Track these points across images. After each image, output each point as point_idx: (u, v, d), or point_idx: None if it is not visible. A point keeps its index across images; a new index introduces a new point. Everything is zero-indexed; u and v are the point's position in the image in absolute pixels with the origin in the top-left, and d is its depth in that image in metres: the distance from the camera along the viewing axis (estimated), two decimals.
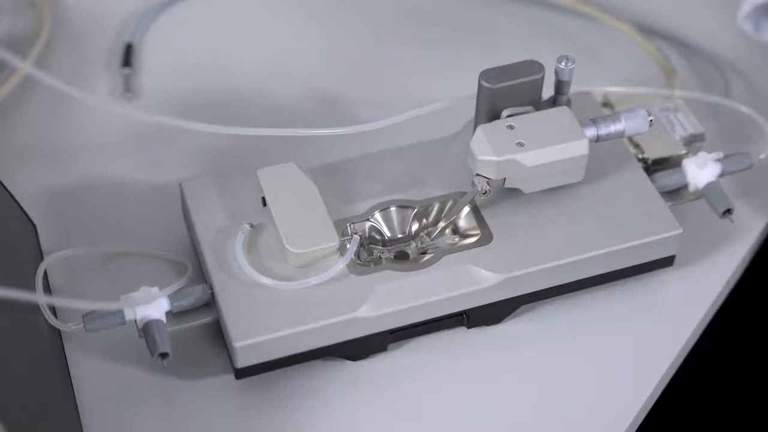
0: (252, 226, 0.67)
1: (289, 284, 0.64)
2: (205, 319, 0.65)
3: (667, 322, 0.69)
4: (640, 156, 0.72)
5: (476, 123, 0.68)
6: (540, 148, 0.66)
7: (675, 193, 0.71)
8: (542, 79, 0.68)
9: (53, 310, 0.65)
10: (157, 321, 0.63)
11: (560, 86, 0.69)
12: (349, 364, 0.66)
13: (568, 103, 0.69)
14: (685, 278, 0.70)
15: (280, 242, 0.65)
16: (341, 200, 0.68)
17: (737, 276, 0.72)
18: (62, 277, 0.69)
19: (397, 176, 0.70)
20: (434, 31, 0.84)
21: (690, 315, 0.69)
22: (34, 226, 0.70)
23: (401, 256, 0.68)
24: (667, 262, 0.69)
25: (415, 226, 0.69)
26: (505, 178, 0.66)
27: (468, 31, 0.84)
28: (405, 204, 0.69)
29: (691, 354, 0.69)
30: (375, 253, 0.68)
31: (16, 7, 0.84)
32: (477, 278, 0.66)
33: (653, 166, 0.72)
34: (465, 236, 0.68)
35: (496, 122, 0.67)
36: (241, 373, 0.64)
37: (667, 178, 0.71)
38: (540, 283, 0.67)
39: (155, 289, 0.64)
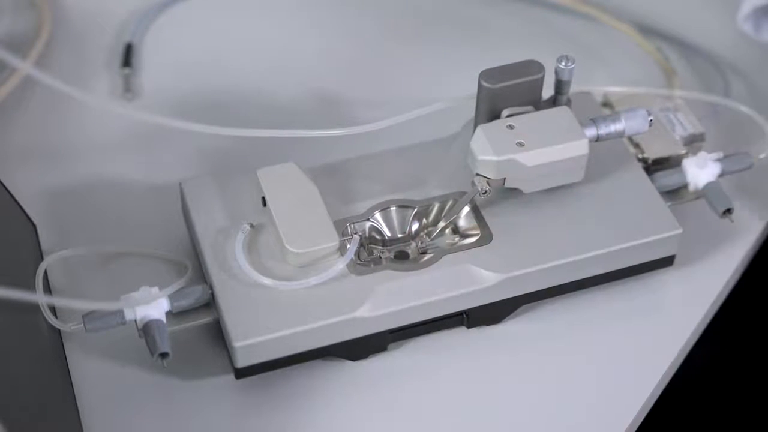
0: (252, 226, 0.67)
1: (289, 284, 0.64)
2: (205, 319, 0.65)
3: (667, 322, 0.69)
4: (640, 156, 0.72)
5: (476, 123, 0.69)
6: (540, 147, 0.66)
7: (675, 193, 0.71)
8: (542, 79, 0.68)
9: (53, 310, 0.65)
10: (157, 321, 0.63)
11: (560, 86, 0.69)
12: (349, 364, 0.66)
13: (568, 103, 0.69)
14: (685, 278, 0.70)
15: (280, 242, 0.65)
16: (341, 200, 0.68)
17: (737, 276, 0.72)
18: (62, 277, 0.69)
19: (397, 176, 0.70)
20: (434, 31, 0.84)
21: (690, 315, 0.69)
22: (34, 226, 0.70)
23: (401, 256, 0.68)
24: (667, 262, 0.69)
25: (415, 226, 0.69)
26: (505, 178, 0.66)
27: (468, 31, 0.84)
28: (405, 204, 0.69)
29: (691, 354, 0.69)
30: (375, 253, 0.68)
31: (16, 7, 0.84)
32: (477, 278, 0.66)
33: (653, 166, 0.72)
34: (465, 236, 0.68)
35: (496, 122, 0.67)
36: (241, 373, 0.64)
37: (667, 178, 0.71)
38: (540, 283, 0.67)
39: (155, 289, 0.64)
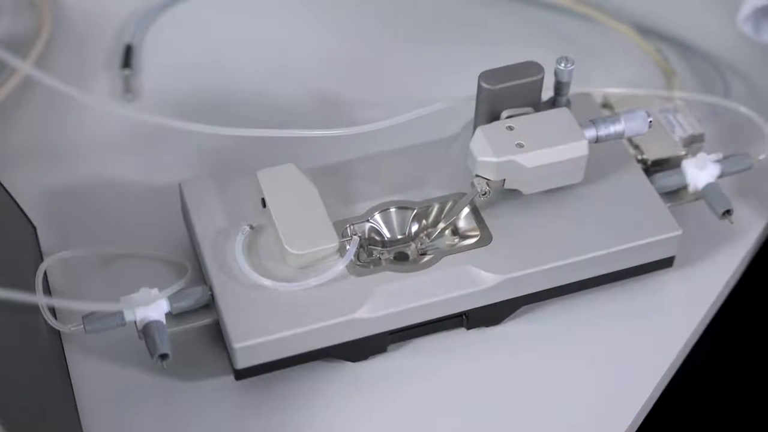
0: (251, 227, 0.67)
1: (289, 285, 0.64)
2: (205, 320, 0.65)
3: (666, 322, 0.69)
4: (639, 157, 0.72)
5: (476, 124, 0.68)
6: (539, 149, 0.66)
7: (674, 194, 0.71)
8: (542, 80, 0.68)
9: (53, 311, 0.65)
10: (157, 322, 0.63)
11: (560, 87, 0.69)
12: (349, 365, 0.66)
13: (568, 104, 0.69)
14: (685, 279, 0.70)
15: (279, 243, 0.65)
16: (341, 201, 0.68)
17: (737, 277, 0.72)
18: (62, 279, 0.69)
19: (397, 177, 0.70)
20: (434, 31, 0.85)
21: (690, 316, 0.69)
22: (33, 227, 0.70)
23: (401, 257, 0.68)
24: (666, 263, 0.69)
25: (414, 227, 0.69)
26: (504, 179, 0.66)
27: (468, 32, 0.84)
28: (404, 205, 0.69)
29: (690, 355, 0.69)
30: (374, 254, 0.68)
31: (16, 7, 0.84)
32: (476, 279, 0.66)
33: (653, 167, 0.72)
34: (464, 237, 0.68)
35: (495, 123, 0.67)
36: (241, 374, 0.64)
37: (667, 179, 0.71)
38: (540, 284, 0.67)
39: (155, 291, 0.64)
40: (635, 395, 0.66)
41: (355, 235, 0.67)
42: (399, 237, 0.68)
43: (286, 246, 0.65)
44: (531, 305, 0.68)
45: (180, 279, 0.65)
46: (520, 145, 0.66)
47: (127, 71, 0.80)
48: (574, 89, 0.70)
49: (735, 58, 0.82)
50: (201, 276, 0.67)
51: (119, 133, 0.77)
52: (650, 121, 0.68)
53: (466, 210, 0.68)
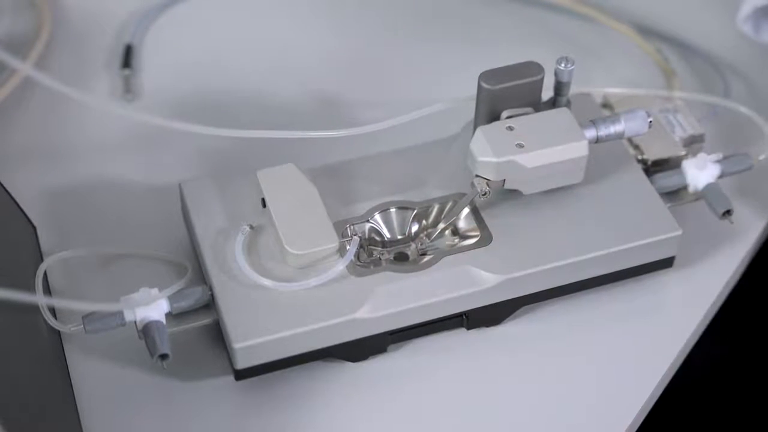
0: (252, 227, 0.67)
1: (289, 285, 0.64)
2: (205, 320, 0.65)
3: (666, 323, 0.69)
4: (639, 157, 0.72)
5: (476, 124, 0.68)
6: (539, 149, 0.66)
7: (674, 195, 0.71)
8: (542, 80, 0.68)
9: (53, 311, 0.65)
10: (157, 322, 0.63)
11: (560, 87, 0.69)
12: (349, 366, 0.66)
13: (568, 105, 0.69)
14: (685, 279, 0.70)
15: (279, 243, 0.65)
16: (341, 201, 0.68)
17: (737, 277, 0.72)
18: (62, 279, 0.69)
19: (397, 177, 0.70)
20: (434, 31, 0.84)
21: (690, 316, 0.69)
22: (33, 227, 0.70)
23: (401, 258, 0.68)
24: (666, 263, 0.69)
25: (414, 228, 0.69)
26: (504, 180, 0.66)
27: (468, 32, 0.84)
28: (405, 205, 0.69)
29: (690, 355, 0.69)
30: (375, 255, 0.68)
31: (16, 8, 0.84)
32: (477, 279, 0.66)
33: (653, 168, 0.72)
34: (465, 237, 0.68)
35: (495, 123, 0.67)
36: (241, 375, 0.64)
37: (667, 180, 0.71)
38: (540, 285, 0.67)
39: (155, 291, 0.64)
40: (635, 395, 0.66)
41: (355, 235, 0.67)
42: (399, 237, 0.68)
43: (286, 246, 0.65)
44: (531, 305, 0.68)
45: (180, 279, 0.65)
46: (520, 146, 0.66)
47: (127, 71, 0.80)
48: (574, 89, 0.70)
49: (735, 58, 0.82)
50: (201, 276, 0.67)
51: (119, 133, 0.77)
52: (650, 121, 0.68)
53: (466, 210, 0.68)
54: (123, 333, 0.64)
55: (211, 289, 0.65)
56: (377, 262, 0.67)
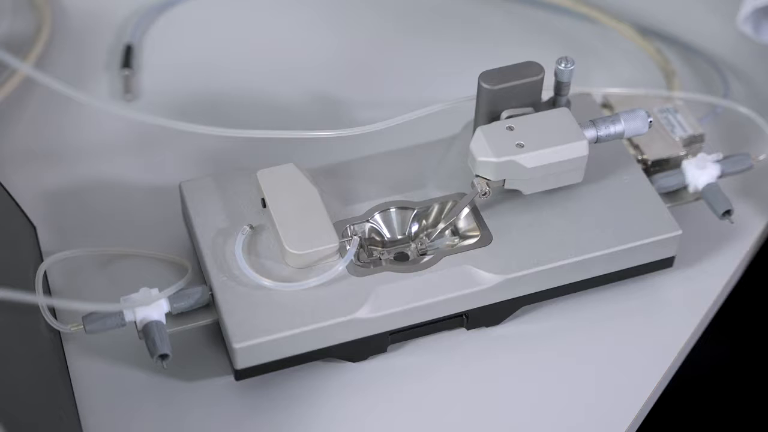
0: (252, 227, 0.67)
1: (289, 285, 0.64)
2: (205, 320, 0.65)
3: (667, 323, 0.69)
4: (639, 157, 0.72)
5: (476, 124, 0.69)
6: (540, 149, 0.66)
7: (675, 195, 0.71)
8: (542, 80, 0.68)
9: (53, 311, 0.65)
10: (157, 322, 0.63)
11: (560, 87, 0.69)
12: (349, 365, 0.66)
13: (568, 105, 0.69)
14: (685, 279, 0.70)
15: (279, 243, 0.65)
16: (341, 201, 0.68)
17: (737, 277, 0.72)
18: (62, 279, 0.69)
19: (397, 177, 0.70)
20: (434, 32, 0.85)
21: (690, 316, 0.69)
22: (33, 227, 0.70)
23: (401, 258, 0.68)
24: (666, 263, 0.69)
25: (414, 228, 0.69)
26: (504, 180, 0.66)
27: (468, 32, 0.84)
28: (405, 205, 0.69)
29: (690, 355, 0.69)
30: (375, 255, 0.68)
31: (16, 8, 0.84)
32: (477, 279, 0.66)
33: (653, 168, 0.72)
34: (465, 237, 0.68)
35: (495, 123, 0.67)
36: (241, 375, 0.64)
37: (667, 180, 0.71)
38: (539, 285, 0.67)
39: (155, 291, 0.64)
40: (635, 396, 0.66)
41: (355, 235, 0.67)
42: (399, 237, 0.68)
43: (286, 246, 0.65)
44: (531, 305, 0.68)
45: (180, 279, 0.65)
46: (520, 145, 0.66)
47: (127, 71, 0.80)
48: (574, 89, 0.70)
49: (735, 58, 0.82)
50: (201, 276, 0.67)
51: (119, 133, 0.77)
52: (650, 121, 0.68)
53: (466, 210, 0.68)
54: (123, 333, 0.64)
55: (211, 289, 0.65)
56: (377, 262, 0.67)
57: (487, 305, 0.66)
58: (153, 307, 0.63)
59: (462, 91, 0.70)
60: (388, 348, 0.67)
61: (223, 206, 0.68)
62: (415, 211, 0.69)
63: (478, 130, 0.67)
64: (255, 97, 0.80)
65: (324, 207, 0.66)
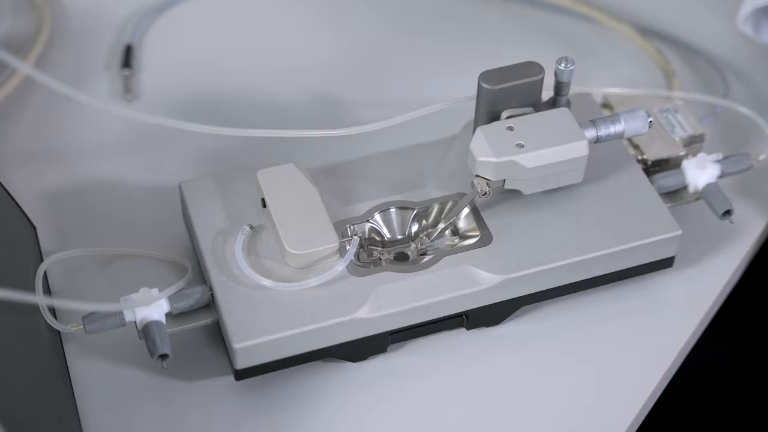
0: (252, 227, 0.67)
1: (289, 285, 0.64)
2: (205, 320, 0.65)
3: (666, 323, 0.69)
4: (639, 157, 0.72)
5: (476, 124, 0.69)
6: (540, 149, 0.66)
7: (675, 195, 0.71)
8: (542, 80, 0.68)
9: (53, 311, 0.65)
10: (157, 322, 0.63)
11: (560, 87, 0.69)
12: (349, 365, 0.66)
13: (568, 105, 0.69)
14: (685, 279, 0.70)
15: (279, 243, 0.65)
16: (341, 201, 0.68)
17: (737, 277, 0.72)
18: (62, 279, 0.69)
19: (397, 177, 0.70)
20: (434, 32, 0.85)
21: (690, 316, 0.69)
22: (33, 227, 0.70)
23: (401, 258, 0.68)
24: (666, 263, 0.69)
25: (414, 228, 0.69)
26: (504, 180, 0.66)
27: (468, 32, 0.84)
28: (405, 205, 0.69)
29: (690, 355, 0.69)
30: (375, 255, 0.68)
31: (16, 8, 0.84)
32: (477, 279, 0.66)
33: (653, 168, 0.72)
34: (465, 237, 0.68)
35: (495, 123, 0.67)
36: (241, 375, 0.64)
37: (667, 180, 0.71)
38: (539, 285, 0.67)
39: (155, 291, 0.64)
40: (635, 395, 0.66)
41: (355, 235, 0.67)
42: (399, 237, 0.68)
43: (286, 246, 0.65)
44: (531, 305, 0.68)
45: (180, 279, 0.65)
46: (520, 145, 0.66)
47: (127, 71, 0.80)
48: (574, 89, 0.70)
49: (735, 58, 0.82)
50: (201, 276, 0.67)
51: (119, 133, 0.77)
52: (650, 121, 0.68)
53: (466, 210, 0.68)
54: (123, 333, 0.64)
55: (211, 289, 0.65)
56: (377, 262, 0.67)
57: (487, 305, 0.66)
58: (153, 307, 0.63)
59: (462, 91, 0.70)
60: (388, 348, 0.67)
61: (223, 206, 0.68)
62: (415, 211, 0.69)
63: (478, 130, 0.67)
64: (255, 97, 0.80)
65: (324, 207, 0.66)
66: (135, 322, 0.63)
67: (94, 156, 0.76)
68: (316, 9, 0.86)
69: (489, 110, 0.68)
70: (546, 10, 0.85)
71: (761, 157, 0.72)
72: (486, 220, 0.68)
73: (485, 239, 0.67)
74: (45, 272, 0.66)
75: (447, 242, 0.68)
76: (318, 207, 0.66)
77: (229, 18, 0.85)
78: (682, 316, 0.69)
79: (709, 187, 0.70)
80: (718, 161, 0.71)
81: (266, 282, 0.64)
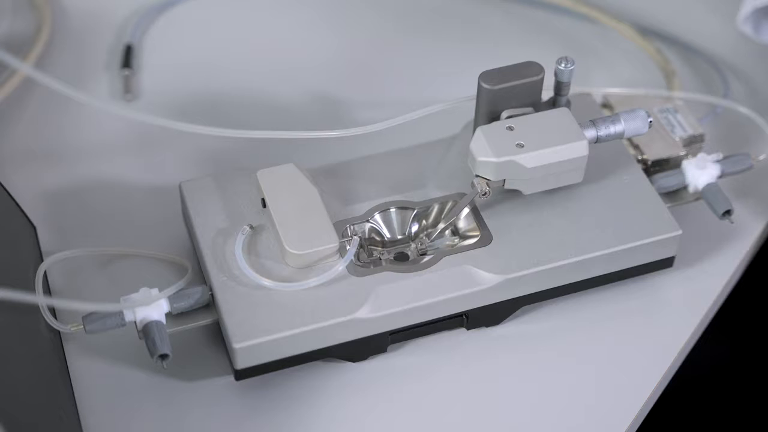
0: (252, 227, 0.67)
1: (289, 285, 0.64)
2: (205, 320, 0.65)
3: (666, 323, 0.69)
4: (639, 157, 0.72)
5: (476, 124, 0.69)
6: (540, 149, 0.66)
7: (675, 195, 0.71)
8: (542, 80, 0.68)
9: (53, 311, 0.65)
10: (157, 322, 0.63)
11: (560, 87, 0.69)
12: (349, 365, 0.66)
13: (568, 104, 0.69)
14: (685, 279, 0.70)
15: (279, 243, 0.65)
16: (341, 201, 0.68)
17: (737, 277, 0.72)
18: (62, 279, 0.69)
19: (397, 177, 0.70)
20: (434, 32, 0.85)
21: (690, 316, 0.69)
22: (33, 227, 0.70)
23: (401, 258, 0.68)
24: (666, 263, 0.69)
25: (414, 228, 0.69)
26: (504, 180, 0.66)
27: (468, 32, 0.84)
28: (405, 205, 0.69)
29: (690, 355, 0.69)
30: (375, 255, 0.68)
31: (16, 8, 0.84)
32: (477, 279, 0.66)
33: (653, 168, 0.72)
34: (465, 237, 0.68)
35: (495, 123, 0.67)
36: (241, 375, 0.64)
37: (667, 180, 0.71)
38: (539, 285, 0.67)
39: (155, 291, 0.64)
40: (635, 396, 0.66)
41: (355, 235, 0.67)
42: (399, 237, 0.68)
43: (286, 246, 0.65)
44: (531, 305, 0.68)
45: (180, 279, 0.65)
46: (521, 146, 0.66)
47: (127, 71, 0.80)
48: (574, 89, 0.70)
49: (735, 58, 0.82)
50: (201, 276, 0.67)
51: (119, 133, 0.77)
52: (650, 121, 0.68)
53: (466, 210, 0.68)
54: (123, 333, 0.64)
55: (211, 289, 0.65)
56: (377, 262, 0.67)
57: (487, 305, 0.66)
58: (153, 307, 0.63)
59: (462, 91, 0.70)
60: (388, 348, 0.67)
61: (223, 206, 0.68)
62: (415, 211, 0.69)
63: (478, 130, 0.67)
64: (255, 97, 0.80)
65: (324, 207, 0.66)
66: (135, 322, 0.63)
67: (94, 156, 0.76)
68: (316, 9, 0.86)
69: (489, 110, 0.68)
70: (546, 10, 0.85)
71: (761, 157, 0.72)
72: (486, 220, 0.68)
73: (485, 239, 0.67)
74: (45, 272, 0.66)
75: (447, 242, 0.68)
76: (318, 207, 0.66)
77: (229, 18, 0.85)
78: (682, 316, 0.69)
79: (709, 187, 0.70)
80: (718, 161, 0.71)
81: (266, 282, 0.64)
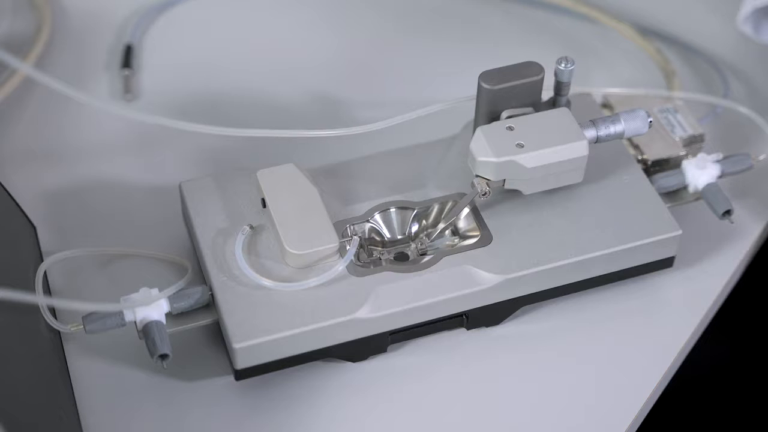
0: (252, 227, 0.67)
1: (289, 285, 0.64)
2: (205, 320, 0.65)
3: (666, 323, 0.69)
4: (639, 157, 0.72)
5: (476, 124, 0.69)
6: (540, 149, 0.66)
7: (675, 195, 0.71)
8: (542, 80, 0.68)
9: (53, 311, 0.65)
10: (157, 322, 0.63)
11: (560, 87, 0.69)
12: (349, 365, 0.66)
13: (568, 104, 0.69)
14: (685, 279, 0.70)
15: (279, 243, 0.65)
16: (341, 201, 0.68)
17: (737, 277, 0.72)
18: (62, 279, 0.69)
19: (397, 177, 0.70)
20: (434, 32, 0.85)
21: (689, 316, 0.69)
22: (33, 227, 0.70)
23: (401, 258, 0.68)
24: (666, 263, 0.69)
25: (414, 228, 0.69)
26: (504, 180, 0.66)
27: (468, 32, 0.84)
28: (405, 205, 0.69)
29: (690, 355, 0.69)
30: (375, 255, 0.68)
31: (16, 8, 0.84)
32: (477, 279, 0.66)
33: (653, 168, 0.72)
34: (465, 237, 0.68)
35: (495, 123, 0.67)
36: (241, 375, 0.64)
37: (667, 180, 0.71)
38: (539, 285, 0.67)
39: (155, 291, 0.64)
40: (635, 395, 0.66)
41: (355, 235, 0.67)
42: (399, 237, 0.68)
43: (286, 246, 0.65)
44: (531, 305, 0.68)
45: (180, 279, 0.65)
46: (520, 145, 0.66)
47: (127, 71, 0.80)
48: (574, 89, 0.70)
49: (735, 58, 0.82)
50: (201, 276, 0.67)
51: (119, 134, 0.77)
52: (650, 121, 0.68)
53: (466, 210, 0.68)
54: (123, 333, 0.64)
55: (211, 289, 0.65)
56: (377, 262, 0.67)
57: (487, 305, 0.66)
58: (153, 307, 0.63)
59: (462, 91, 0.70)
60: (388, 348, 0.67)
61: (223, 206, 0.68)
62: (415, 211, 0.69)
63: (478, 130, 0.67)
64: (255, 97, 0.80)
65: (324, 207, 0.66)
66: (135, 322, 0.63)
67: (94, 156, 0.76)
68: (316, 9, 0.86)
69: (489, 110, 0.68)
70: (546, 10, 0.85)
71: (761, 157, 0.72)
72: (486, 220, 0.68)
73: (485, 239, 0.67)
74: (45, 272, 0.66)
75: (447, 242, 0.68)
76: (318, 207, 0.66)
77: (229, 18, 0.85)
78: (682, 316, 0.69)
79: (709, 187, 0.70)
80: (718, 161, 0.71)
81: (266, 282, 0.64)
